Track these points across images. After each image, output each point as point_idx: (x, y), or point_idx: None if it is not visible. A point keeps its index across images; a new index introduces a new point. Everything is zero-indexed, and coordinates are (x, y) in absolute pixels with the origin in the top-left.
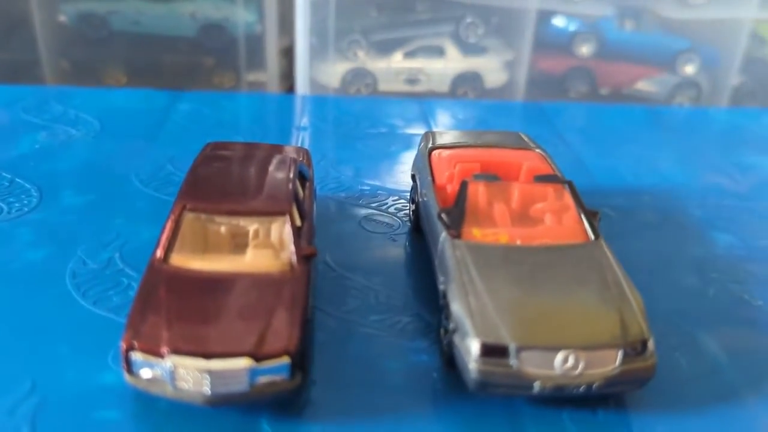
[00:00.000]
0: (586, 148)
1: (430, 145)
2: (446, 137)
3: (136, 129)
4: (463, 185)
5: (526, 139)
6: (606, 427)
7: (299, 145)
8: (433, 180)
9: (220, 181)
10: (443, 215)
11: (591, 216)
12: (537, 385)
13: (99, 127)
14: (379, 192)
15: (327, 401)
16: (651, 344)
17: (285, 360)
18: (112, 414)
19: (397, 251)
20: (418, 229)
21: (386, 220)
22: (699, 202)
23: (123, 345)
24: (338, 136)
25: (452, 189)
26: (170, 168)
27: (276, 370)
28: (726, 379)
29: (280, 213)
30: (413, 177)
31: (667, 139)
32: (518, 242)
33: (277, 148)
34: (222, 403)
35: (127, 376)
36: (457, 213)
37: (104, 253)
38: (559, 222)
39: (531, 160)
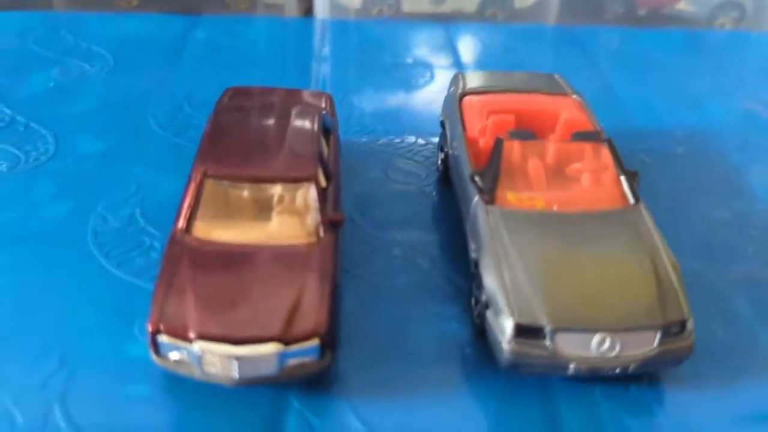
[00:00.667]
0: (619, 79)
1: (460, 91)
2: (478, 80)
3: (150, 62)
4: (498, 144)
5: (561, 82)
6: (638, 402)
7: (321, 78)
8: (465, 132)
9: (242, 141)
10: (477, 178)
11: (630, 177)
12: (572, 367)
13: (112, 62)
14: (405, 135)
15: (355, 375)
16: (690, 324)
17: (314, 342)
18: (141, 389)
19: (425, 204)
20: (447, 179)
21: (413, 168)
22: (739, 144)
23: (149, 327)
24: (360, 69)
25: (485, 143)
26: (188, 109)
27: (305, 352)
28: (765, 351)
29: (306, 179)
30: (442, 123)
31: (705, 68)
32: (555, 208)
33: (299, 96)
34: (250, 384)
35: (154, 357)
36: (490, 175)
37: (125, 209)
38: (597, 183)
39: (568, 109)
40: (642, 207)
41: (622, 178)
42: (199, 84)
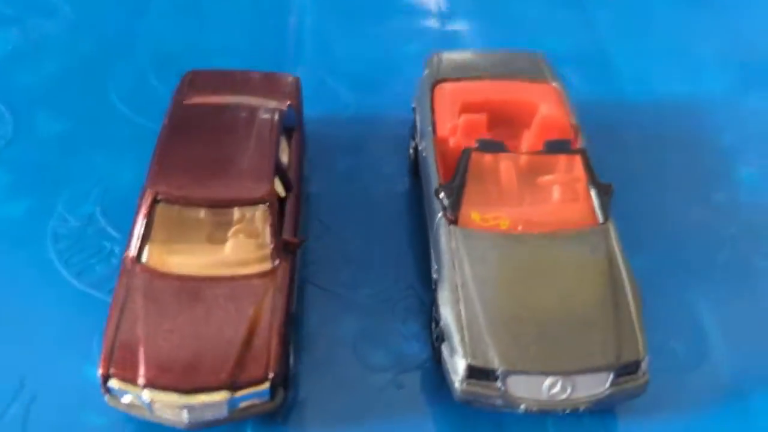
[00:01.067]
0: (614, 37)
1: (434, 77)
2: (454, 63)
3: (113, 15)
4: (465, 155)
5: (543, 65)
6: None
7: (295, 34)
8: (434, 131)
9: (194, 156)
10: (441, 194)
11: (603, 191)
12: (522, 407)
13: (73, 17)
14: (382, 115)
15: (312, 402)
16: (645, 364)
17: (265, 386)
18: (100, 419)
19: (394, 200)
20: (417, 171)
21: (386, 153)
22: (734, 124)
23: (99, 370)
24: (339, 20)
25: (455, 144)
26: (153, 81)
27: (256, 395)
28: (727, 372)
29: (261, 201)
30: (414, 110)
31: (710, 27)
32: (520, 228)
33: (263, 82)
34: (202, 428)
35: (107, 398)
36: (455, 192)
37: (85, 206)
38: (568, 197)
39: (546, 101)
40: (611, 226)
41: (593, 193)
42: (164, 44)
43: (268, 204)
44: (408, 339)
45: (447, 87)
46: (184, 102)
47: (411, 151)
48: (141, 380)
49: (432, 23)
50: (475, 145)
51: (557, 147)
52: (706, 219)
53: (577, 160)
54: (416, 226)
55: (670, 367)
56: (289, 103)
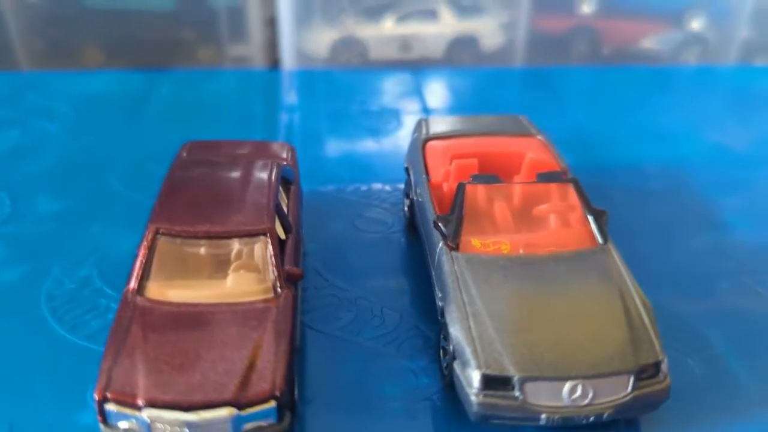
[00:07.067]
0: (588, 117)
1: (423, 136)
2: (442, 125)
3: (114, 119)
4: (460, 188)
5: (526, 123)
6: None
7: (288, 129)
8: (428, 178)
9: (196, 196)
10: (440, 224)
11: (598, 216)
12: (544, 417)
13: (75, 119)
14: (372, 183)
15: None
16: (665, 365)
17: (271, 404)
18: None
19: (392, 253)
20: (414, 226)
21: (381, 216)
22: (711, 178)
23: (96, 395)
24: (328, 118)
25: (448, 188)
26: (151, 165)
27: (262, 415)
28: (743, 392)
29: (261, 233)
30: (407, 170)
31: (673, 103)
32: (521, 251)
33: (259, 148)
34: None
35: (102, 427)
36: (454, 221)
37: (81, 270)
38: (564, 224)
39: (533, 150)
40: (611, 246)
41: (590, 217)
42: (163, 139)
43: (269, 234)
44: (416, 373)
45: (437, 143)
46: (186, 158)
47: (406, 209)
48: (140, 400)
49: (414, 116)
50: (469, 180)
51: (550, 177)
52: (705, 256)
53: (570, 188)
54: (415, 275)
55: (690, 384)
56: (286, 161)
